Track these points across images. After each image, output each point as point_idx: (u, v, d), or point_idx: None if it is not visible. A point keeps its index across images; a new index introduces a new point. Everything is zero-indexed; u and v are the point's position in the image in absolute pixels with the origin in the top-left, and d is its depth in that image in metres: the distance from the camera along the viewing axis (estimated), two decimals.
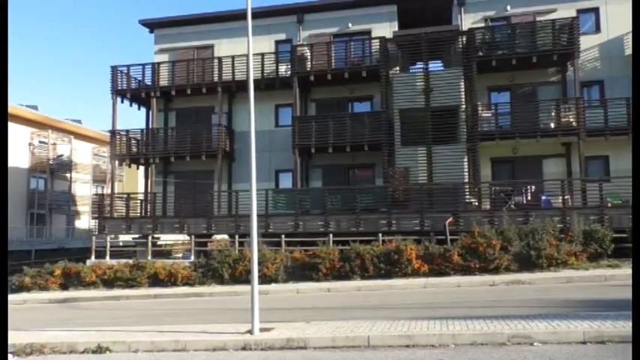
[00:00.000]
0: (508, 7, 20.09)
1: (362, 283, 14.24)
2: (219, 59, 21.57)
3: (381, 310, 10.05)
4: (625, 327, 6.68)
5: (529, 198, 17.75)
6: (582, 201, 17.02)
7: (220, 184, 20.76)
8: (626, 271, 13.31)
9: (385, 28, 20.71)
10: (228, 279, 15.48)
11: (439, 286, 13.30)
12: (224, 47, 22.27)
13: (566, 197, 17.11)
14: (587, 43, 19.02)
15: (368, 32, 21.17)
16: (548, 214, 16.42)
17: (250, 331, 7.97)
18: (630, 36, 18.95)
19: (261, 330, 8.00)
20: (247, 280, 13.03)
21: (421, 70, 19.69)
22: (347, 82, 20.23)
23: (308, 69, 20.29)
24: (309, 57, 20.45)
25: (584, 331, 6.69)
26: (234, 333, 8.08)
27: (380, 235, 16.72)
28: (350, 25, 21.38)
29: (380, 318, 8.60)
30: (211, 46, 22.75)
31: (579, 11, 19.37)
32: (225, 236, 19.46)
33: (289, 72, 20.58)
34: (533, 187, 17.97)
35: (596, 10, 19.53)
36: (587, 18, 19.53)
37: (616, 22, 19.04)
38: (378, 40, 19.93)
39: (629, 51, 18.99)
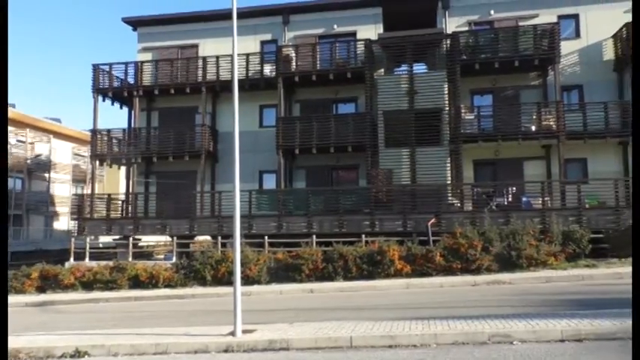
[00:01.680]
0: (491, 12, 20.37)
1: (345, 284, 14.26)
2: (204, 59, 21.46)
3: (363, 310, 10.08)
4: (601, 325, 6.83)
5: (510, 199, 18.00)
6: (561, 202, 17.33)
7: (203, 185, 20.63)
8: (602, 271, 13.62)
9: (370, 30, 20.83)
10: (211, 280, 15.36)
11: (421, 287, 13.39)
12: (209, 47, 22.15)
13: (545, 199, 17.40)
14: (568, 48, 19.37)
15: (353, 34, 21.28)
16: (528, 215, 16.67)
17: (233, 333, 7.92)
18: (609, 42, 19.39)
19: (244, 332, 7.96)
20: (230, 282, 12.93)
21: (405, 72, 19.85)
22: (332, 84, 20.29)
23: (293, 70, 20.30)
24: (294, 58, 20.48)
25: (562, 330, 6.80)
26: (216, 335, 8.02)
27: (363, 236, 16.77)
28: (335, 26, 21.45)
29: (363, 319, 8.62)
30: (196, 46, 22.63)
31: (560, 17, 19.72)
32: (208, 237, 19.33)
33: (274, 72, 20.57)
34: (514, 188, 18.24)
35: (576, 17, 19.93)
36: (568, 24, 19.91)
37: (595, 29, 19.45)
38: (363, 42, 20.05)
39: (607, 56, 19.41)
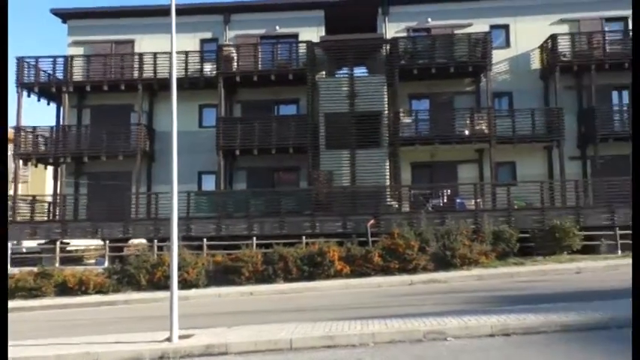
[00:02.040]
0: (429, 19, 21.05)
1: (285, 285, 14.22)
2: (140, 55, 20.69)
3: (304, 312, 10.08)
4: (527, 320, 7.21)
5: (445, 201, 18.67)
6: (492, 204, 18.20)
7: (139, 186, 19.87)
8: (529, 268, 14.46)
9: (312, 33, 20.92)
10: (146, 285, 14.79)
11: (361, 287, 13.59)
12: (145, 43, 21.36)
13: (478, 200, 18.21)
14: (499, 56, 20.37)
15: (295, 35, 21.28)
16: (462, 216, 17.35)
17: (169, 339, 7.66)
18: (536, 52, 20.60)
19: (180, 337, 7.72)
20: (167, 286, 12.50)
21: (346, 75, 20.11)
22: (273, 85, 20.20)
23: (234, 70, 20.02)
24: (235, 57, 20.20)
25: (491, 325, 7.10)
26: (151, 342, 7.73)
27: (304, 237, 16.78)
28: (277, 27, 21.36)
29: (303, 320, 8.61)
30: (132, 41, 21.73)
31: (492, 27, 20.69)
32: (143, 240, 18.62)
33: (214, 72, 20.17)
34: (449, 190, 18.94)
35: (506, 27, 20.98)
36: (499, 33, 20.94)
37: (524, 39, 20.58)
38: (305, 44, 20.10)
39: (535, 65, 20.65)
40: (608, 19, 20.60)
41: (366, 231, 16.65)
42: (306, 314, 9.63)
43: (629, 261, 14.71)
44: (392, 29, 21.05)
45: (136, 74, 20.46)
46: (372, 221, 17.12)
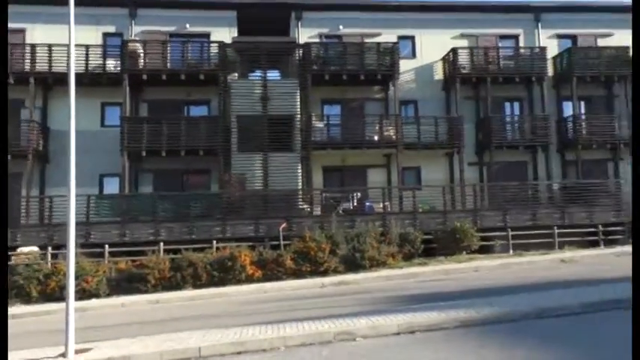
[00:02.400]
0: (340, 27, 21.54)
1: (194, 292, 13.78)
2: (33, 46, 18.99)
3: (213, 318, 9.81)
4: (430, 317, 7.58)
5: (355, 204, 19.18)
6: (399, 207, 18.99)
7: (30, 189, 18.19)
8: (432, 268, 15.28)
9: (225, 33, 20.51)
10: (38, 297, 13.61)
11: (273, 291, 13.52)
12: (38, 33, 19.63)
13: (386, 203, 18.93)
14: (406, 66, 21.32)
15: (207, 35, 20.76)
16: (371, 219, 17.90)
17: (63, 355, 7.06)
18: (439, 63, 21.87)
19: (77, 352, 7.15)
20: (62, 297, 11.53)
21: (259, 78, 19.97)
22: (183, 84, 19.52)
23: (140, 67, 19.07)
24: (141, 54, 19.23)
25: (398, 324, 7.37)
26: (42, 358, 7.09)
27: (214, 242, 16.38)
28: (188, 25, 20.67)
29: (212, 327, 8.37)
30: (22, 31, 19.79)
31: (400, 37, 21.62)
32: (35, 248, 17.02)
33: (119, 68, 19.06)
34: (359, 194, 19.47)
35: (412, 38, 22.07)
36: (406, 44, 21.95)
37: (429, 51, 21.76)
38: (217, 44, 19.66)
39: (438, 76, 21.90)
40: (502, 37, 22.51)
41: (279, 235, 16.61)
42: (215, 321, 9.38)
43: (520, 259, 16.19)
44: (305, 34, 21.27)
45: (27, 67, 18.76)
46: (284, 225, 17.11)
